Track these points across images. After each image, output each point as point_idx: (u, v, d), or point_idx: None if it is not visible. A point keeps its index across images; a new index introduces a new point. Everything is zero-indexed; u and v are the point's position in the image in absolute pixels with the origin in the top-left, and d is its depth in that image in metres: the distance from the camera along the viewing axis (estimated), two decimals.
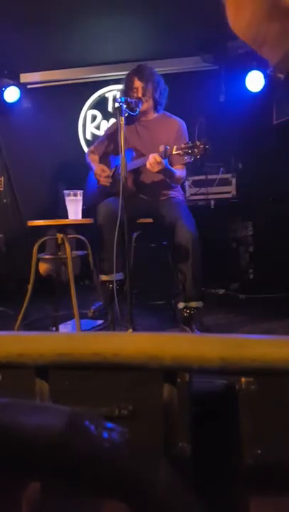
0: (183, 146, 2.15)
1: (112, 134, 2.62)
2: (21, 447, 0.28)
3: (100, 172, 2.49)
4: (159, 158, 2.15)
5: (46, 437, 0.28)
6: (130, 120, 2.42)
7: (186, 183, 3.24)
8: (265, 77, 3.41)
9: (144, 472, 0.30)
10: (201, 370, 0.41)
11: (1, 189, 3.82)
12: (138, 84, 2.36)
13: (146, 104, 2.39)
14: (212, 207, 3.19)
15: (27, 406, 0.31)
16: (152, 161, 2.16)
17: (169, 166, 2.28)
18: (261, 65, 3.44)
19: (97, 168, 2.51)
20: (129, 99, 2.12)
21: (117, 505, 0.32)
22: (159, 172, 2.22)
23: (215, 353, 0.40)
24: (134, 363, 0.42)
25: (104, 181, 2.48)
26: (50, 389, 0.46)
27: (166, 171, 2.24)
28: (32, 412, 0.30)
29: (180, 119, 2.49)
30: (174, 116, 2.51)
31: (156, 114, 2.49)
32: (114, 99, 2.02)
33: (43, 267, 3.63)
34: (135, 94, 2.35)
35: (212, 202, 3.19)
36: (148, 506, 0.29)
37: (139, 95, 2.34)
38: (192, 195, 3.23)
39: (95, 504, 0.35)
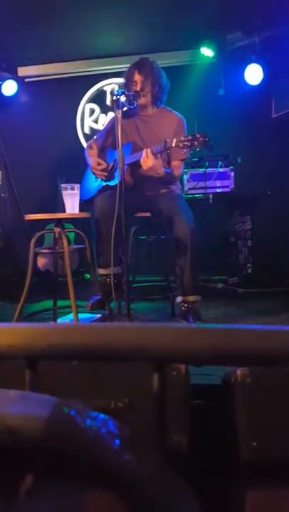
0: (183, 138, 2.14)
1: (111, 128, 2.60)
2: (6, 436, 0.28)
3: (96, 165, 2.48)
4: (150, 155, 2.15)
5: (31, 426, 0.28)
6: (129, 114, 2.41)
7: (185, 177, 3.23)
8: (263, 70, 3.39)
9: (133, 464, 0.30)
10: (190, 360, 0.41)
11: (0, 183, 3.82)
12: (138, 77, 2.35)
13: (145, 99, 2.38)
14: (210, 201, 3.18)
15: (12, 395, 0.31)
16: (144, 156, 2.17)
17: (164, 169, 2.27)
18: (260, 58, 3.43)
19: (93, 162, 2.50)
20: (126, 93, 2.11)
21: (107, 499, 0.32)
22: (150, 170, 2.20)
23: (204, 343, 0.40)
24: (124, 354, 0.42)
25: (100, 175, 2.47)
26: (40, 380, 0.46)
27: (157, 169, 2.22)
28: (17, 401, 0.30)
29: (180, 115, 2.48)
30: (174, 111, 2.49)
31: (156, 109, 2.48)
32: (112, 93, 2.01)
33: (41, 262, 3.64)
34: (134, 88, 2.34)
35: (211, 196, 3.19)
36: (136, 499, 0.29)
37: (138, 89, 2.33)
38: (190, 189, 3.23)
39: (84, 496, 0.35)
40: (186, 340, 0.41)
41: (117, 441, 0.29)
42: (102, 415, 0.30)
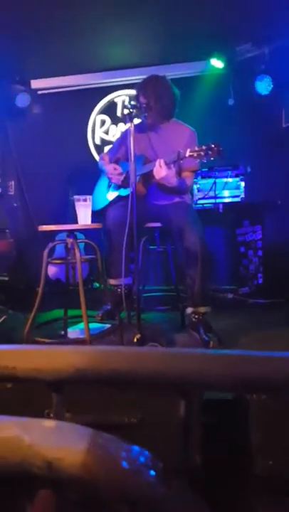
0: (197, 148, 2.16)
1: (123, 141, 2.63)
2: (43, 469, 0.29)
3: (112, 170, 2.51)
4: (163, 164, 2.17)
5: (69, 459, 0.29)
6: (142, 127, 2.44)
7: (195, 187, 3.24)
8: (273, 81, 3.41)
9: (168, 497, 0.30)
10: (211, 388, 0.42)
11: (12, 193, 3.86)
12: (143, 100, 2.38)
13: (151, 119, 2.41)
14: (220, 210, 3.19)
15: (47, 425, 0.32)
16: (157, 167, 2.18)
17: (177, 180, 2.29)
18: (269, 69, 3.45)
19: (109, 167, 2.53)
20: (138, 105, 2.13)
21: None
22: (162, 180, 2.22)
23: (226, 371, 0.40)
24: (150, 380, 0.42)
25: (117, 179, 2.51)
26: (65, 401, 0.47)
27: (170, 179, 2.24)
28: (53, 432, 0.31)
29: (191, 128, 2.50)
30: (185, 124, 2.52)
31: (167, 122, 2.50)
32: (124, 106, 2.03)
33: (52, 271, 3.66)
34: (142, 109, 2.36)
35: (220, 205, 3.19)
36: None
37: (144, 111, 2.36)
38: (200, 198, 3.23)
39: None
40: (208, 368, 0.41)
41: (153, 473, 0.30)
42: (136, 447, 0.31)
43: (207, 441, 0.80)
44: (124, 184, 2.50)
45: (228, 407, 0.91)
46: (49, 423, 0.32)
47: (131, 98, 3.81)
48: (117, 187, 2.58)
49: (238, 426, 0.88)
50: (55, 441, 0.30)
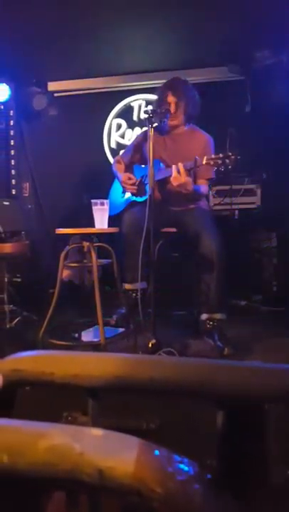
0: (214, 156, 2.14)
1: (138, 144, 2.64)
2: (95, 477, 0.28)
3: (127, 180, 2.51)
4: (182, 171, 2.16)
5: (121, 469, 0.28)
6: (159, 131, 2.44)
7: (210, 193, 3.23)
8: None
9: (210, 504, 0.30)
10: (253, 400, 0.41)
11: (26, 195, 3.90)
12: (171, 99, 2.37)
13: (177, 120, 2.40)
14: (236, 217, 3.17)
15: (96, 434, 0.32)
16: (175, 173, 2.16)
17: (195, 186, 2.28)
18: (287, 76, 3.43)
19: (124, 176, 2.54)
20: (157, 111, 2.14)
21: None
22: (180, 187, 2.21)
23: (268, 385, 0.40)
24: (188, 390, 0.42)
25: (131, 189, 2.51)
26: (100, 407, 0.47)
27: (187, 186, 2.22)
28: (103, 441, 0.31)
29: (208, 135, 2.49)
30: (202, 131, 2.52)
31: (185, 128, 2.50)
32: (145, 111, 2.04)
33: (65, 273, 3.68)
34: (167, 108, 2.35)
35: (236, 212, 3.18)
36: None
37: (172, 110, 2.35)
38: (216, 204, 3.22)
39: None
40: (250, 379, 0.41)
41: (202, 485, 0.30)
42: (185, 458, 0.31)
43: (225, 449, 0.79)
44: (139, 194, 2.50)
45: (247, 416, 0.90)
46: (97, 432, 0.32)
47: (148, 102, 3.82)
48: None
49: (256, 435, 0.87)
50: (105, 449, 0.30)
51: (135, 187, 2.50)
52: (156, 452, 0.31)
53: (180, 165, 2.17)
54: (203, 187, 2.45)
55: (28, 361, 0.43)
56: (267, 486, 0.84)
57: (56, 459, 0.29)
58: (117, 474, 0.29)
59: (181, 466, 0.30)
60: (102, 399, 0.48)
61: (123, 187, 2.55)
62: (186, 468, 0.30)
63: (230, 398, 0.44)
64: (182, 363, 0.44)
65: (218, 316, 2.19)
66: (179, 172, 2.16)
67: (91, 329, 2.45)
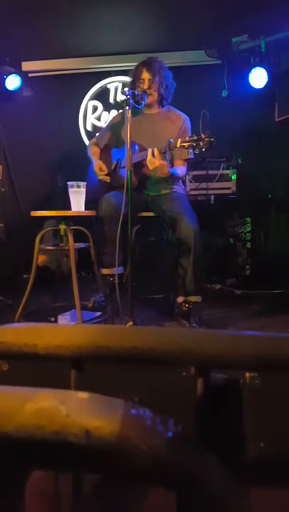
0: (188, 139, 2.15)
1: (114, 126, 2.60)
2: (82, 437, 0.29)
3: (98, 170, 2.50)
4: (157, 155, 2.15)
5: (107, 428, 0.29)
6: (134, 112, 2.41)
7: (187, 178, 3.25)
8: (268, 74, 3.41)
9: (194, 464, 0.31)
10: (235, 366, 0.43)
11: (0, 178, 3.79)
12: (145, 75, 2.35)
13: (151, 98, 2.38)
14: (212, 202, 3.20)
15: (82, 397, 0.32)
16: (149, 156, 2.16)
17: (171, 169, 2.28)
18: (264, 62, 3.45)
19: (96, 166, 2.51)
20: (136, 92, 2.11)
21: (161, 492, 0.33)
22: (155, 170, 2.21)
23: (250, 351, 0.42)
24: (170, 358, 0.43)
25: (104, 179, 2.50)
26: (84, 379, 0.48)
27: (163, 169, 2.22)
28: (89, 403, 0.31)
29: (185, 115, 2.48)
30: (179, 111, 2.50)
31: (160, 109, 2.48)
32: (123, 92, 2.00)
33: (41, 258, 3.63)
34: (141, 86, 2.34)
35: (212, 197, 3.21)
36: (195, 494, 0.31)
37: (145, 87, 2.33)
38: (192, 189, 3.24)
39: (140, 492, 0.37)
40: (233, 347, 0.42)
41: (186, 444, 0.31)
42: (163, 416, 0.32)
43: (202, 423, 0.82)
44: (113, 182, 2.48)
45: (222, 391, 0.93)
46: (83, 394, 0.33)
47: (124, 85, 3.77)
48: None
49: (231, 409, 0.90)
50: (91, 411, 0.31)
51: (108, 177, 2.48)
52: (141, 412, 0.32)
53: (155, 149, 2.16)
54: (180, 168, 2.44)
55: (11, 333, 0.43)
56: (243, 457, 0.87)
57: (44, 421, 0.30)
58: (103, 434, 0.30)
59: (166, 425, 0.32)
60: (86, 371, 0.49)
61: (95, 175, 2.53)
62: (170, 428, 0.31)
63: (212, 365, 0.45)
64: (164, 331, 0.45)
65: (194, 298, 2.23)
66: (153, 155, 2.16)
67: (68, 313, 2.45)
